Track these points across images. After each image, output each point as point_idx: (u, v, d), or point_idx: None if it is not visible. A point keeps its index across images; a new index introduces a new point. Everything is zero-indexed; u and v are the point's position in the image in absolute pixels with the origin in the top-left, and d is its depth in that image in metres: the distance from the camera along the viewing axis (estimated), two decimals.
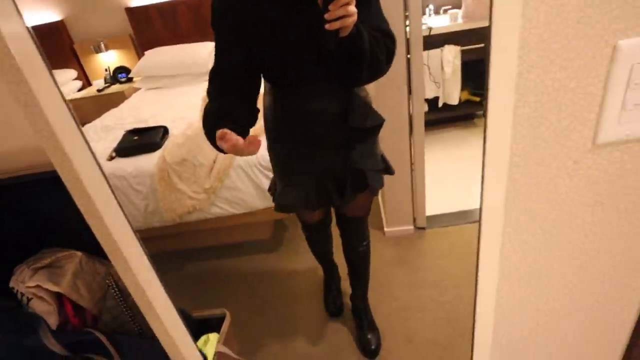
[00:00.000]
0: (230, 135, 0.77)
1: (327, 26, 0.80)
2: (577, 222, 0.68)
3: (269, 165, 1.50)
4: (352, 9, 0.80)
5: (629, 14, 0.51)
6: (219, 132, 0.79)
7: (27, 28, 0.47)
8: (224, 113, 0.93)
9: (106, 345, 0.79)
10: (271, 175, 1.59)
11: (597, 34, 0.51)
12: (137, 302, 0.71)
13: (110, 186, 0.62)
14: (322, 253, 1.59)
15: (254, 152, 0.79)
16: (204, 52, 2.99)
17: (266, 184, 1.76)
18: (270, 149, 1.19)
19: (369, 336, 1.46)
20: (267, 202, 1.82)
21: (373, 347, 1.44)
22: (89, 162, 0.58)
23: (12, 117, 0.85)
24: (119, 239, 0.67)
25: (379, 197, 2.14)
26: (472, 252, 0.72)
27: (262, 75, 1.03)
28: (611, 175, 0.60)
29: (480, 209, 0.62)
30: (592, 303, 0.80)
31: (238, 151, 0.79)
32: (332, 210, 1.40)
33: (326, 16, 0.79)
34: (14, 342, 0.75)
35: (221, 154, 1.55)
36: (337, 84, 1.01)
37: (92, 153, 0.57)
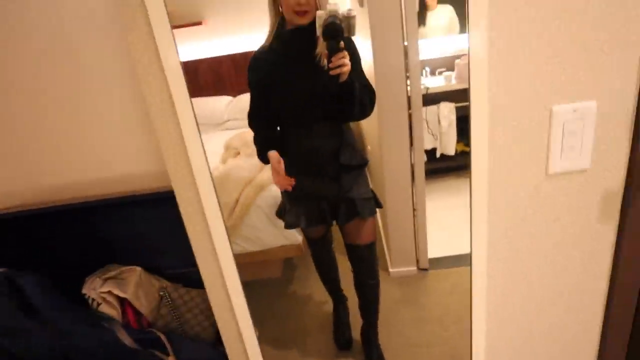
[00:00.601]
0: (281, 165, 1.27)
1: (330, 72, 1.14)
2: (542, 234, 0.90)
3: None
4: (347, 61, 1.16)
5: (558, 89, 0.76)
6: (276, 157, 1.30)
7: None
8: (270, 140, 1.39)
9: (164, 342, 0.92)
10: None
11: (539, 101, 0.76)
12: (221, 324, 0.86)
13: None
14: (328, 274, 1.74)
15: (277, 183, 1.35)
16: (221, 105, 3.25)
17: (280, 221, 1.92)
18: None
19: None
20: (281, 240, 1.97)
21: None
22: (210, 187, 0.76)
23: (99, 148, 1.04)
24: (224, 263, 0.83)
25: (383, 240, 2.29)
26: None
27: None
28: (562, 195, 0.82)
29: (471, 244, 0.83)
30: (562, 303, 0.98)
31: (278, 171, 1.31)
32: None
33: (330, 65, 1.14)
34: (93, 335, 0.88)
35: (244, 194, 1.77)
36: (334, 126, 1.36)
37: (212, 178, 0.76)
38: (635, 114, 0.76)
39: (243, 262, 2.15)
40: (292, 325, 1.90)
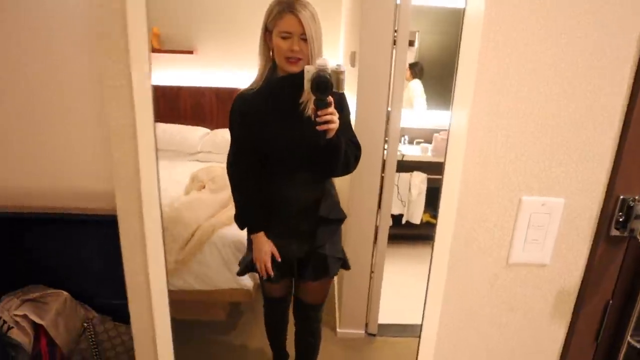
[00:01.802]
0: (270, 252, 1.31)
1: (318, 127, 1.12)
2: (495, 323, 0.88)
3: (242, 247, 1.64)
4: (335, 119, 1.13)
5: (530, 182, 0.78)
6: (267, 243, 1.32)
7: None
8: (255, 208, 1.35)
9: None
10: (240, 256, 1.71)
11: (510, 190, 0.77)
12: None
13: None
14: (276, 335, 1.65)
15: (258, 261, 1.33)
16: (195, 136, 3.22)
17: (234, 263, 1.85)
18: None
19: None
20: (232, 283, 1.88)
21: None
22: (157, 218, 0.71)
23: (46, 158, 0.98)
24: (155, 296, 0.76)
25: (335, 298, 2.24)
26: None
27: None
28: (518, 286, 0.82)
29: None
30: None
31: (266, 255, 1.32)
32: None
33: (317, 119, 1.11)
34: None
35: (200, 230, 1.71)
36: (316, 177, 1.32)
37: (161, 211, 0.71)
38: (598, 218, 0.78)
39: (187, 299, 2.05)
40: None
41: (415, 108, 2.84)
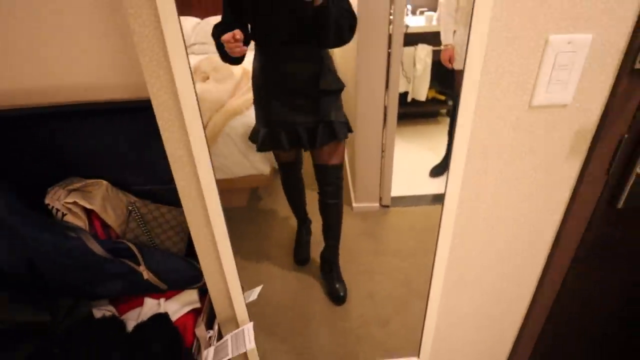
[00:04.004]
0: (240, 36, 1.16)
1: None
2: (514, 165, 0.94)
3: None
4: None
5: (557, 18, 0.76)
6: (234, 32, 1.15)
7: None
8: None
9: (135, 252, 0.92)
10: (253, 146, 1.76)
11: (537, 30, 0.75)
12: (197, 242, 0.86)
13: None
14: (296, 196, 1.80)
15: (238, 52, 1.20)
16: (187, 27, 3.05)
17: (249, 153, 1.90)
18: (255, 102, 1.52)
19: (337, 285, 1.67)
20: (249, 170, 1.96)
21: (342, 294, 1.64)
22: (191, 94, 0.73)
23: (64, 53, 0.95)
24: (204, 180, 0.81)
25: (349, 176, 2.35)
26: (428, 228, 0.94)
27: (253, 37, 1.33)
28: (539, 129, 0.85)
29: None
30: (520, 232, 1.06)
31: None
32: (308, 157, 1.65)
33: None
34: (60, 243, 0.86)
35: (212, 121, 1.72)
36: (311, 50, 1.33)
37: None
38: (624, 53, 0.76)
39: None
40: (255, 245, 1.96)
41: None
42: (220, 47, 1.25)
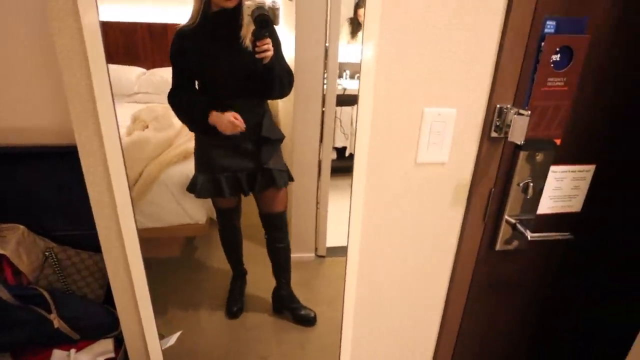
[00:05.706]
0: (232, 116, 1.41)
1: (257, 56, 1.32)
2: (407, 215, 1.09)
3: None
4: (271, 47, 1.33)
5: (429, 95, 0.94)
6: (231, 114, 1.40)
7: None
8: (199, 100, 1.46)
9: (47, 299, 0.89)
10: (190, 195, 1.80)
11: (416, 103, 0.93)
12: (115, 287, 0.87)
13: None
14: (233, 248, 1.86)
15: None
16: (131, 76, 3.09)
17: (185, 202, 1.91)
18: (196, 149, 1.63)
19: (303, 312, 1.70)
20: (184, 219, 1.96)
21: (312, 315, 1.78)
22: (116, 142, 0.77)
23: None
24: (123, 220, 0.84)
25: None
26: None
27: (201, 91, 1.47)
28: (425, 182, 1.01)
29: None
30: (417, 271, 1.18)
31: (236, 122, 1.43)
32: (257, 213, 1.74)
33: (256, 49, 1.32)
34: None
35: (147, 170, 1.75)
36: (256, 101, 1.52)
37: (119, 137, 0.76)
38: (482, 123, 0.96)
39: (140, 237, 2.10)
40: (186, 296, 1.92)
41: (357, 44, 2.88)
42: (187, 117, 1.48)
